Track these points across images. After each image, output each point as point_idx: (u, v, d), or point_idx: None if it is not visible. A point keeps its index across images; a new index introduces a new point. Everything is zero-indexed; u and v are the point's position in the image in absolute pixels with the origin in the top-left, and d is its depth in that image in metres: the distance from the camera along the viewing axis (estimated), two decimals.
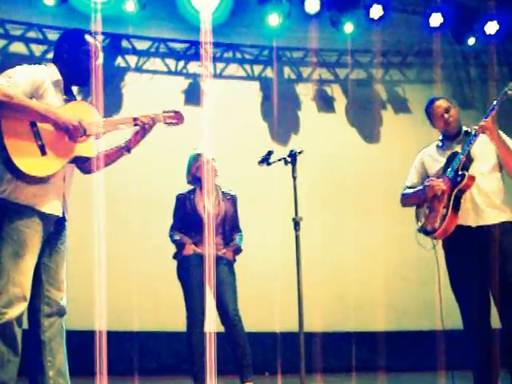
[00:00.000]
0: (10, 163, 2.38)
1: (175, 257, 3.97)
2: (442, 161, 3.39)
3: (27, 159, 2.41)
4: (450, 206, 3.24)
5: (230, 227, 4.01)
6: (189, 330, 3.75)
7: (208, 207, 3.91)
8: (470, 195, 3.26)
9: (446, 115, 3.37)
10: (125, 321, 5.03)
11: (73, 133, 2.53)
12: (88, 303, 4.40)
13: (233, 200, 4.07)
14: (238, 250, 3.99)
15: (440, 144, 3.48)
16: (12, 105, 2.37)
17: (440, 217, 3.29)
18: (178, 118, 2.94)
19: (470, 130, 3.35)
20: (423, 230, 3.45)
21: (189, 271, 3.82)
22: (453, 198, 3.25)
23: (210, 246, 3.84)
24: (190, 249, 3.86)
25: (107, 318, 4.82)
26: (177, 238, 3.93)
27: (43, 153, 2.46)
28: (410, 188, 3.56)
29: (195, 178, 4.01)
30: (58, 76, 2.64)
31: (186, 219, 3.94)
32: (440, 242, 3.42)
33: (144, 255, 5.34)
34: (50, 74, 2.62)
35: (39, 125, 2.47)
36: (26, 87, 2.46)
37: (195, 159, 4.01)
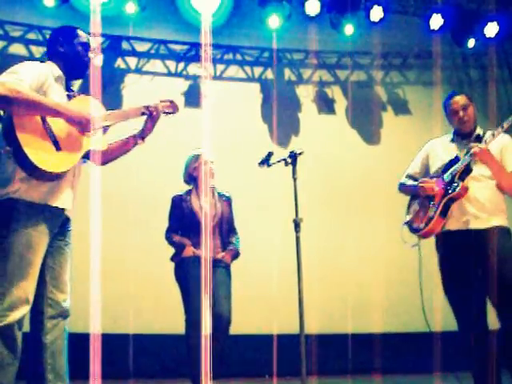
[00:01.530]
0: (25, 160, 2.35)
1: (173, 259, 3.95)
2: (446, 158, 3.38)
3: (43, 155, 2.38)
4: (438, 211, 3.25)
5: (226, 229, 3.99)
6: (188, 333, 3.72)
7: (205, 208, 3.90)
8: (461, 200, 3.25)
9: (461, 113, 3.32)
10: (125, 323, 5.02)
11: (86, 125, 2.54)
12: (88, 305, 4.39)
13: (228, 201, 4.05)
14: (237, 255, 3.97)
15: (451, 139, 3.45)
16: (23, 101, 2.34)
17: (427, 218, 3.31)
18: (173, 107, 3.02)
19: (481, 135, 3.32)
20: (409, 226, 3.46)
21: (187, 273, 3.78)
22: (443, 204, 3.25)
23: (208, 248, 3.81)
24: (189, 251, 3.83)
25: (108, 321, 4.81)
26: (175, 239, 3.91)
27: (58, 148, 2.45)
28: (409, 177, 3.57)
29: (191, 178, 4.00)
30: (59, 72, 2.65)
31: (183, 221, 3.91)
32: (428, 243, 3.43)
33: (144, 256, 5.33)
34: (51, 70, 2.62)
35: (50, 121, 2.46)
36: (31, 83, 2.45)
37: (193, 159, 4.00)
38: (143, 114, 2.87)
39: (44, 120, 2.45)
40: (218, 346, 3.70)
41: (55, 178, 2.47)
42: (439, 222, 3.26)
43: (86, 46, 2.75)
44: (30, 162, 2.35)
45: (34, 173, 2.39)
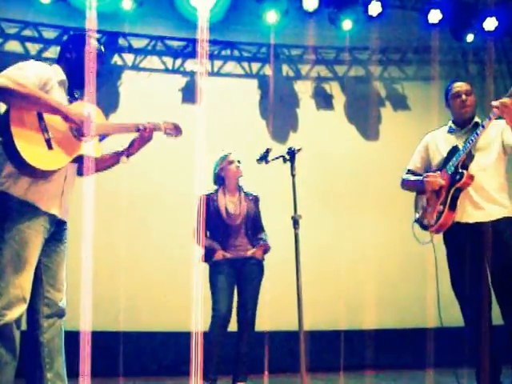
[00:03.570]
0: (15, 152, 2.34)
1: (206, 261, 4.05)
2: (445, 150, 3.36)
3: (33, 151, 2.38)
4: (447, 204, 3.24)
5: (252, 227, 4.10)
6: (213, 330, 3.80)
7: (228, 207, 4.02)
8: (468, 192, 3.24)
9: (463, 96, 3.34)
10: (121, 321, 5.00)
11: (84, 125, 2.54)
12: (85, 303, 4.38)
13: (255, 200, 4.18)
14: (267, 249, 4.10)
15: (449, 129, 3.44)
16: (24, 94, 2.36)
17: (436, 213, 3.30)
18: (176, 130, 3.00)
19: (480, 123, 3.32)
20: (420, 223, 3.45)
21: (219, 275, 3.92)
22: (450, 196, 3.24)
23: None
24: (220, 255, 3.96)
25: (104, 319, 4.79)
26: (206, 243, 4.02)
27: (49, 147, 2.44)
28: (410, 172, 3.56)
29: (219, 178, 4.11)
30: (63, 76, 2.66)
31: (210, 220, 4.02)
32: (440, 238, 3.41)
33: (139, 254, 5.32)
34: (55, 73, 2.63)
35: (46, 119, 2.46)
36: (35, 81, 2.46)
37: (221, 160, 4.12)
38: (138, 130, 2.83)
39: (41, 117, 2.44)
40: (242, 346, 3.90)
41: (42, 175, 2.45)
42: (449, 215, 3.25)
43: (98, 56, 2.74)
44: (19, 155, 2.34)
45: (21, 166, 2.38)
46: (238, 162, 4.10)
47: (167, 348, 5.20)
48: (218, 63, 6.10)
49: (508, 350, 3.15)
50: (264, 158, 3.34)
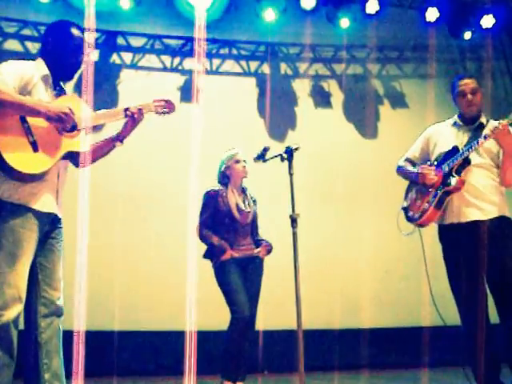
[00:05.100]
0: (1, 160, 2.34)
1: (211, 258, 3.98)
2: (446, 146, 3.36)
3: (19, 156, 2.37)
4: (434, 203, 3.25)
5: (254, 228, 4.11)
6: (236, 330, 3.74)
7: (240, 205, 3.98)
8: (461, 192, 3.24)
9: (469, 96, 3.31)
10: (117, 321, 5.01)
11: (65, 121, 2.48)
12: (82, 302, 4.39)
13: (255, 203, 4.16)
14: (271, 249, 4.06)
15: (454, 123, 3.43)
16: (3, 101, 2.34)
17: (422, 209, 3.31)
18: (169, 106, 2.91)
19: (484, 124, 3.31)
20: (406, 213, 3.46)
21: (231, 274, 3.85)
22: (438, 195, 3.25)
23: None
24: (228, 254, 3.89)
25: (102, 319, 4.81)
26: (214, 241, 3.91)
27: (35, 149, 2.43)
28: (408, 161, 3.56)
29: (225, 177, 4.06)
30: (45, 71, 2.60)
31: (217, 217, 3.96)
32: (428, 236, 3.43)
33: (140, 255, 5.32)
34: (37, 69, 2.58)
35: (30, 121, 2.43)
36: (14, 84, 2.43)
37: (228, 159, 4.07)
38: (126, 115, 2.77)
39: (24, 120, 2.42)
40: (242, 348, 3.80)
41: (33, 179, 2.44)
42: (434, 213, 3.27)
43: (78, 46, 2.67)
44: (5, 162, 2.34)
45: (10, 173, 2.38)
46: (244, 161, 4.06)
47: (163, 347, 5.20)
48: (216, 62, 6.11)
49: (505, 348, 3.16)
50: (261, 156, 3.32)
